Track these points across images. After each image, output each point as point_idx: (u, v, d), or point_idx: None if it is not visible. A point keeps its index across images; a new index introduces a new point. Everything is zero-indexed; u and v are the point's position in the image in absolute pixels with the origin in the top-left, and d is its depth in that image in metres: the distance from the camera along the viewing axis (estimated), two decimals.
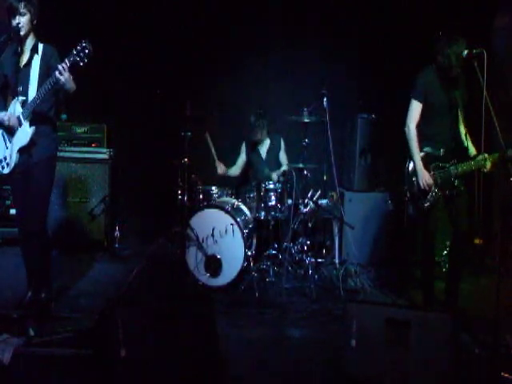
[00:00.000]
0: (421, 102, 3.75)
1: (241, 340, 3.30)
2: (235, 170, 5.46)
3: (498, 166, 3.52)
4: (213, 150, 5.16)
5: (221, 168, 5.25)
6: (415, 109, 3.77)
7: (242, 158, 5.44)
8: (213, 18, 6.02)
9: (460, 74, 3.73)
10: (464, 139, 3.75)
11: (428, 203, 3.70)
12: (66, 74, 3.23)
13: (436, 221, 3.77)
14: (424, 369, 2.50)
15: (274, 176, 5.07)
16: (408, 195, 3.88)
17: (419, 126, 3.80)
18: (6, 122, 3.39)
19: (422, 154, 3.75)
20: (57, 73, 3.22)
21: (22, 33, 3.37)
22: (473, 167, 3.59)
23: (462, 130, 3.75)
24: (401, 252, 5.18)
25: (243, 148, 5.43)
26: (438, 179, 3.69)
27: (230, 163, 5.43)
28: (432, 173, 3.71)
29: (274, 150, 5.32)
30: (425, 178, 3.66)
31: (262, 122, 5.16)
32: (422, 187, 3.67)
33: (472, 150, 3.76)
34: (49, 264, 3.62)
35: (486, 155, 3.51)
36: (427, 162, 3.74)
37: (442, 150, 3.71)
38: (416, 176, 3.72)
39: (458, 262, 3.88)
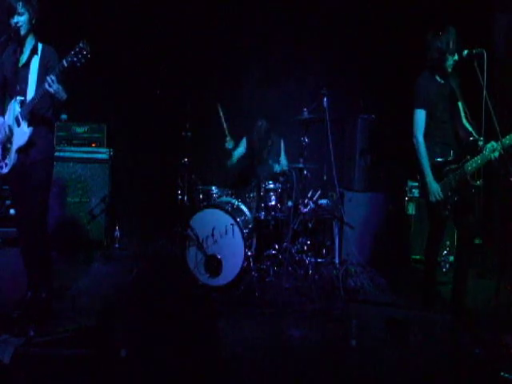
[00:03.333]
0: (425, 109, 3.62)
1: (241, 340, 3.29)
2: (235, 158, 5.39)
3: (505, 157, 3.36)
4: (224, 122, 5.10)
5: (230, 143, 5.18)
6: (420, 118, 3.63)
7: (241, 150, 5.41)
8: (213, 19, 6.03)
9: (453, 71, 3.65)
10: (469, 129, 3.61)
11: (447, 212, 3.59)
12: (55, 86, 3.22)
13: (445, 222, 3.68)
14: (424, 369, 2.50)
15: (277, 167, 5.03)
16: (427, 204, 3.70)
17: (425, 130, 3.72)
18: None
19: (434, 162, 3.62)
20: (46, 85, 3.21)
21: (21, 33, 3.36)
22: (484, 160, 3.44)
23: (465, 120, 3.64)
24: (401, 252, 5.19)
25: (244, 142, 5.42)
26: (452, 183, 3.56)
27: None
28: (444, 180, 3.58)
29: (273, 151, 5.32)
30: (435, 191, 3.55)
31: (267, 127, 5.22)
32: (433, 200, 3.56)
33: (477, 137, 3.54)
34: (49, 264, 3.61)
35: (494, 144, 3.38)
36: (439, 169, 3.61)
37: (451, 153, 3.60)
38: (428, 188, 3.60)
39: (464, 261, 3.71)
